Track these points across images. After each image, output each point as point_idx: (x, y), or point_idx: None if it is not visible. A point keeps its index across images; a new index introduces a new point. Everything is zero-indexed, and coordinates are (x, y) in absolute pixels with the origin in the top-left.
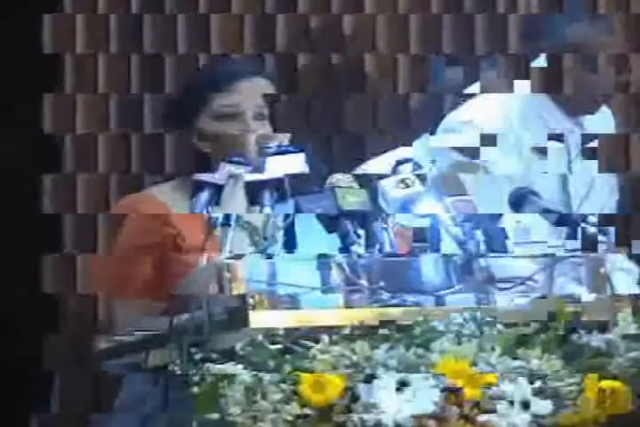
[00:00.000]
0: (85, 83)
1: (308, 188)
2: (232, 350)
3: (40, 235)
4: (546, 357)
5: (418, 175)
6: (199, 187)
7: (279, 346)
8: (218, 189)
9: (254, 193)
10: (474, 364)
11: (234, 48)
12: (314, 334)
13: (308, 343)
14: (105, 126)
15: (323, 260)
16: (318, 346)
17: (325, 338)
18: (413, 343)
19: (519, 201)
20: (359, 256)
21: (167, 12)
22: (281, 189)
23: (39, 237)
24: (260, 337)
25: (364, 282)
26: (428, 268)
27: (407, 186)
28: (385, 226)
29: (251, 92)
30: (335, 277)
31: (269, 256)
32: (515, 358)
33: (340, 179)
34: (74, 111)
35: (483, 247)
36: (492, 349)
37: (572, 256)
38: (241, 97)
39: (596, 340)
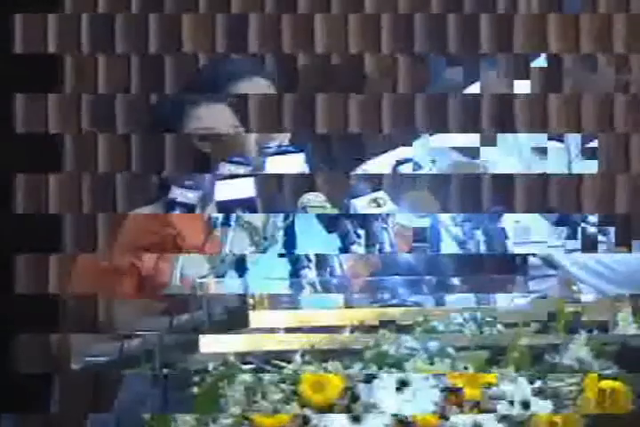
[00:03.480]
0: (83, 83)
1: (279, 207)
2: (205, 371)
3: (13, 235)
4: (519, 375)
5: (392, 195)
6: (171, 206)
7: (252, 366)
8: (190, 209)
9: (226, 212)
10: None
11: (233, 48)
12: (286, 354)
13: (281, 364)
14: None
15: (295, 279)
16: (291, 366)
17: (298, 358)
18: (386, 363)
19: None
20: (332, 275)
21: (168, 11)
22: (252, 208)
23: (12, 237)
24: (231, 358)
25: None
26: (402, 285)
27: (379, 205)
28: (385, 226)
29: (224, 114)
30: (307, 295)
31: (242, 275)
32: None
33: (311, 199)
34: (46, 111)
35: (483, 247)
36: (465, 368)
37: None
38: (215, 120)
39: (568, 358)
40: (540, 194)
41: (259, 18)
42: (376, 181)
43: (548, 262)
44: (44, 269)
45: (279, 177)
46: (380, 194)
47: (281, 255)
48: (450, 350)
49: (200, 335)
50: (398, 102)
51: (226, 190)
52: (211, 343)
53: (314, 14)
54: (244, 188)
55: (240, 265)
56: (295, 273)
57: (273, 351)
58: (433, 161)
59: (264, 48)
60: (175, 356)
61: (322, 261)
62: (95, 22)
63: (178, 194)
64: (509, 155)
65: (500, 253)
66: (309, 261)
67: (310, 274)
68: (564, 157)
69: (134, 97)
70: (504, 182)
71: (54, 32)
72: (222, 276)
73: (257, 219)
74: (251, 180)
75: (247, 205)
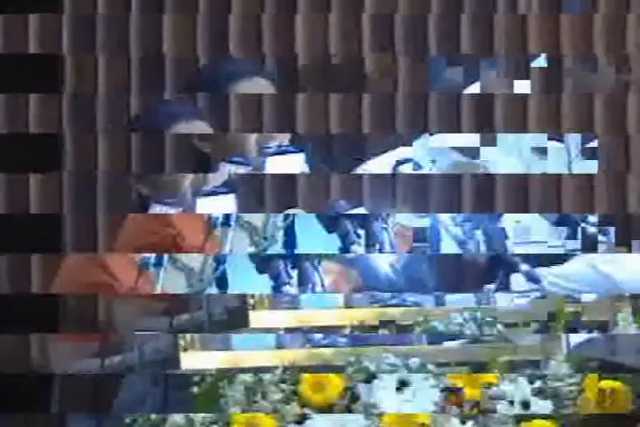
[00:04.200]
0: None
1: None
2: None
3: None
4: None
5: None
6: None
7: None
8: None
9: None
10: None
11: (233, 48)
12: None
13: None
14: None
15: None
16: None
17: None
18: (367, 379)
19: None
20: (313, 290)
21: (166, 12)
22: None
23: None
24: (213, 371)
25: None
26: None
27: None
28: (385, 226)
29: (201, 129)
30: (307, 295)
31: (223, 292)
32: None
33: (295, 213)
34: (26, 111)
35: (483, 247)
36: None
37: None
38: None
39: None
40: (540, 194)
41: (258, 19)
42: (356, 198)
43: (531, 277)
44: (26, 269)
45: (260, 193)
46: (362, 210)
47: (261, 272)
48: (430, 366)
49: (181, 353)
50: (398, 102)
51: (207, 207)
52: (192, 360)
53: (314, 14)
54: (225, 204)
55: (220, 282)
56: (276, 289)
57: (254, 368)
58: (433, 161)
59: (267, 49)
60: (156, 373)
61: (303, 277)
62: (79, 22)
63: (157, 211)
64: (509, 155)
65: (483, 261)
66: (290, 277)
67: (292, 290)
68: (564, 157)
69: (118, 99)
70: (494, 183)
71: (36, 32)
72: (200, 293)
73: (257, 219)
74: (231, 196)
75: None
